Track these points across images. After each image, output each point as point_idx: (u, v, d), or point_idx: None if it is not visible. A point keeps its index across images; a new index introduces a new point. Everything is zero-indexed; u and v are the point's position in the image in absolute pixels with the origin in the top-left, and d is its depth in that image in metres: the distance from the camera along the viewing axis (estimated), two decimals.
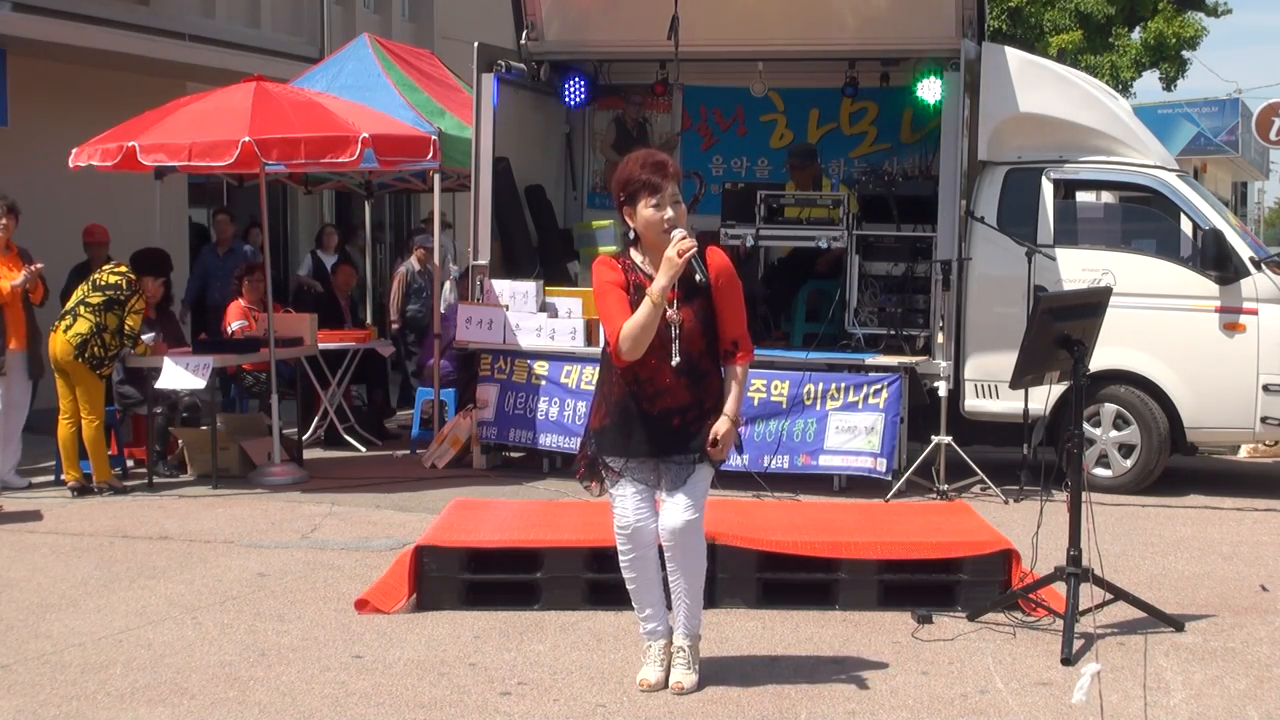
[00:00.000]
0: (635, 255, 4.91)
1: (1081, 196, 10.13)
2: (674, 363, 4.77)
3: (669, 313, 4.75)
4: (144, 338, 9.49)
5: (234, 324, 11.10)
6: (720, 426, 4.82)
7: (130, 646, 5.61)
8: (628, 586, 5.06)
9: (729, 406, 4.84)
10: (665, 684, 5.00)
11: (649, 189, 4.77)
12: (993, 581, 6.07)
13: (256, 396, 11.15)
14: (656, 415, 4.84)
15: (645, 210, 4.78)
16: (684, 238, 4.69)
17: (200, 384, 9.29)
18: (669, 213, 4.75)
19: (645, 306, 4.69)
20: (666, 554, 4.96)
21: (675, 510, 4.88)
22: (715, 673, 5.16)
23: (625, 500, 4.95)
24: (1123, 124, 9.83)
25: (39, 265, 9.46)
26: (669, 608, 5.08)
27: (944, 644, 5.63)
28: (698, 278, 4.74)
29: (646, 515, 4.95)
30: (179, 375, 9.26)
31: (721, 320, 4.87)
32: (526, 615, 6.01)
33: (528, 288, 10.11)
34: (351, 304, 12.50)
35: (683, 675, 4.99)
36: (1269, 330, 9.14)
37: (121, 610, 6.18)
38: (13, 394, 9.38)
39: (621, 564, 5.04)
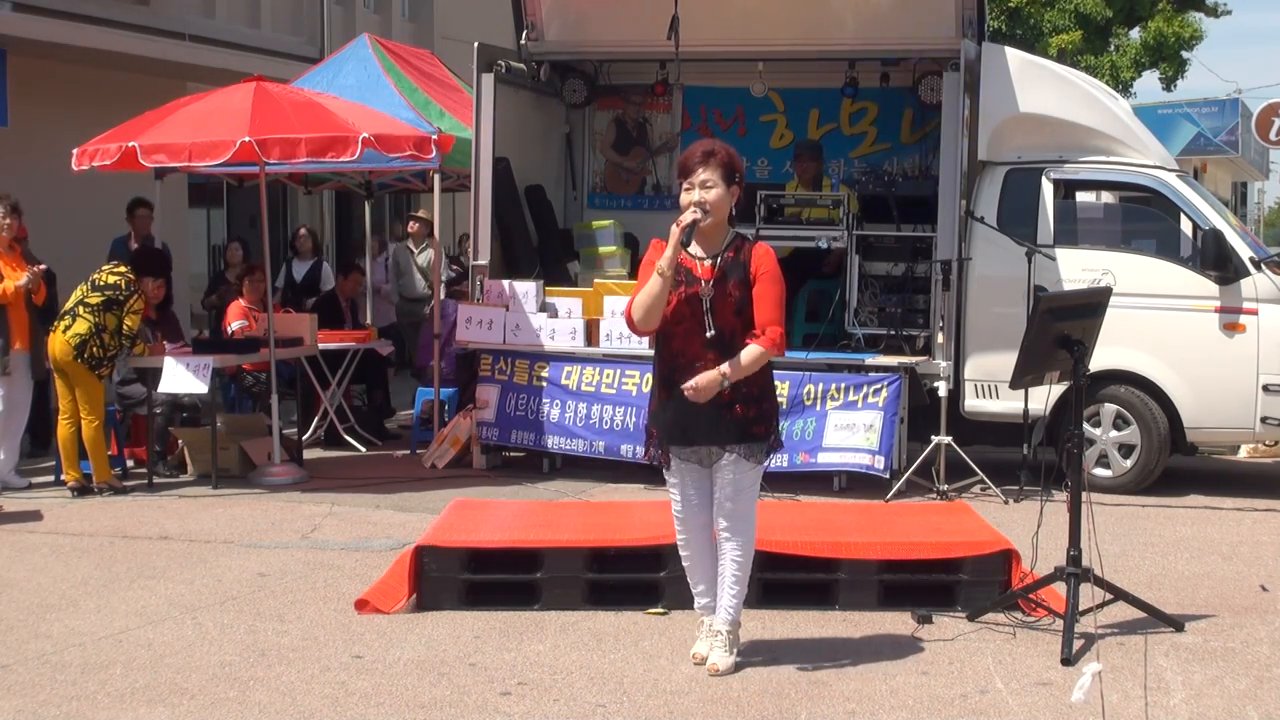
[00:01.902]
0: (673, 227, 5.13)
1: (1081, 196, 10.13)
2: (708, 335, 5.05)
3: (702, 288, 5.07)
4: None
5: (234, 324, 11.10)
6: (703, 374, 5.03)
7: (130, 646, 5.61)
8: (683, 563, 5.40)
9: (725, 365, 5.04)
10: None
11: (683, 173, 5.15)
12: (993, 581, 6.07)
13: (256, 397, 11.15)
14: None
15: (682, 194, 5.14)
16: (692, 211, 5.03)
17: (203, 388, 9.29)
18: (695, 195, 5.07)
19: (653, 278, 5.02)
20: (719, 542, 5.25)
21: (721, 500, 5.18)
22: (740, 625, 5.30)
23: (679, 486, 5.26)
24: (1123, 124, 9.83)
25: (42, 265, 9.46)
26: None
27: (944, 644, 5.63)
28: (682, 241, 5.02)
29: (700, 500, 5.23)
30: (181, 378, 9.25)
31: (755, 308, 5.10)
32: (526, 615, 6.01)
33: (528, 288, 10.11)
34: (352, 305, 12.49)
35: (719, 658, 5.19)
36: (1269, 330, 9.14)
37: (121, 610, 6.18)
38: (14, 394, 9.39)
39: (678, 542, 5.37)
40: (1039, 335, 5.76)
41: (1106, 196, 10.78)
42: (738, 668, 5.21)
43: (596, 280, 10.31)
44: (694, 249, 5.15)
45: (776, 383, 9.17)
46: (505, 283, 10.19)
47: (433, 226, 13.81)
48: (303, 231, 13.50)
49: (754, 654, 5.48)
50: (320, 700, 4.94)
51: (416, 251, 13.67)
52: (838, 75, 11.07)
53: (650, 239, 5.45)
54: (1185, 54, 26.69)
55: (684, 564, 5.41)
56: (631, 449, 9.34)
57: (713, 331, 5.06)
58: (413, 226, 14.14)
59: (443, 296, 11.71)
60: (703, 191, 5.08)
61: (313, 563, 7.14)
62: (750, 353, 5.06)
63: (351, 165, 9.99)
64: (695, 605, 5.42)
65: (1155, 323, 9.24)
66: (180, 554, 7.37)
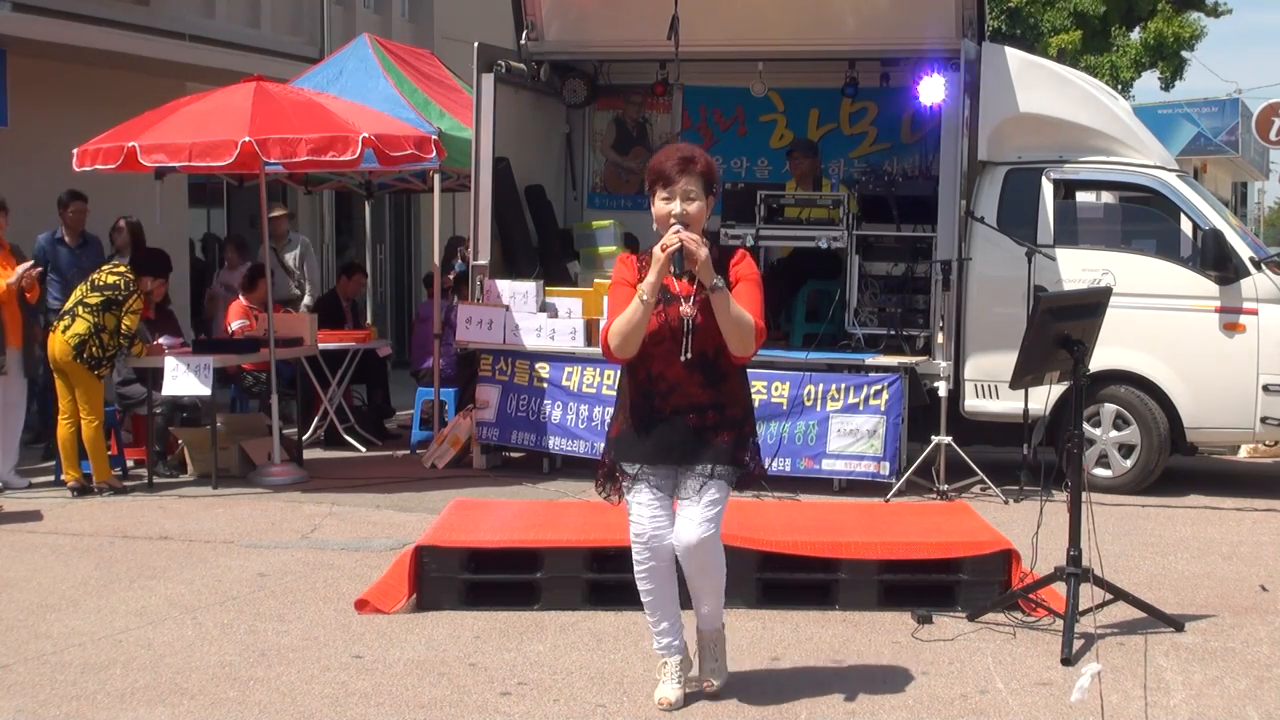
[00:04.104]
0: (657, 250, 4.67)
1: (1081, 196, 10.13)
2: (683, 358, 4.62)
3: (682, 307, 4.63)
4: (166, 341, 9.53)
5: (235, 323, 11.10)
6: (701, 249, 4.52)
7: (130, 646, 5.61)
8: (642, 598, 4.84)
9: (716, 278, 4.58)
10: (684, 702, 4.84)
11: (662, 181, 4.64)
12: (993, 581, 6.07)
13: (256, 396, 11.14)
14: (670, 414, 4.67)
15: (656, 203, 4.67)
16: (676, 232, 4.56)
17: (206, 391, 9.29)
18: (676, 207, 4.60)
19: (634, 303, 4.59)
20: (684, 569, 4.77)
21: (689, 525, 4.67)
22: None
23: (641, 509, 4.73)
24: (1123, 124, 9.83)
25: (37, 267, 9.46)
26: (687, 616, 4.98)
27: (944, 644, 5.63)
28: (673, 269, 4.55)
29: (664, 525, 4.73)
30: (183, 381, 9.24)
31: None
32: (526, 615, 6.01)
33: (528, 288, 10.11)
34: (353, 305, 12.49)
35: (709, 674, 4.95)
36: (1269, 330, 9.14)
37: (121, 610, 6.18)
38: (11, 394, 9.39)
39: (637, 574, 4.80)
40: (1039, 335, 5.76)
41: (1106, 196, 10.77)
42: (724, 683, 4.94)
43: (596, 280, 10.31)
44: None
45: (776, 383, 9.38)
46: (505, 283, 10.20)
47: (291, 221, 12.74)
48: (120, 223, 11.40)
49: (754, 654, 5.48)
50: (320, 700, 4.94)
51: (282, 250, 12.38)
52: (838, 75, 11.07)
53: (644, 245, 5.14)
54: (1185, 54, 26.70)
55: (644, 599, 4.81)
56: None
57: (688, 355, 4.60)
58: (274, 223, 12.24)
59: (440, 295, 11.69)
60: (684, 203, 4.59)
61: (313, 563, 7.14)
62: (741, 309, 4.59)
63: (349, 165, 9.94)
64: (655, 645, 4.88)
65: (1155, 323, 9.24)
66: (180, 554, 7.36)
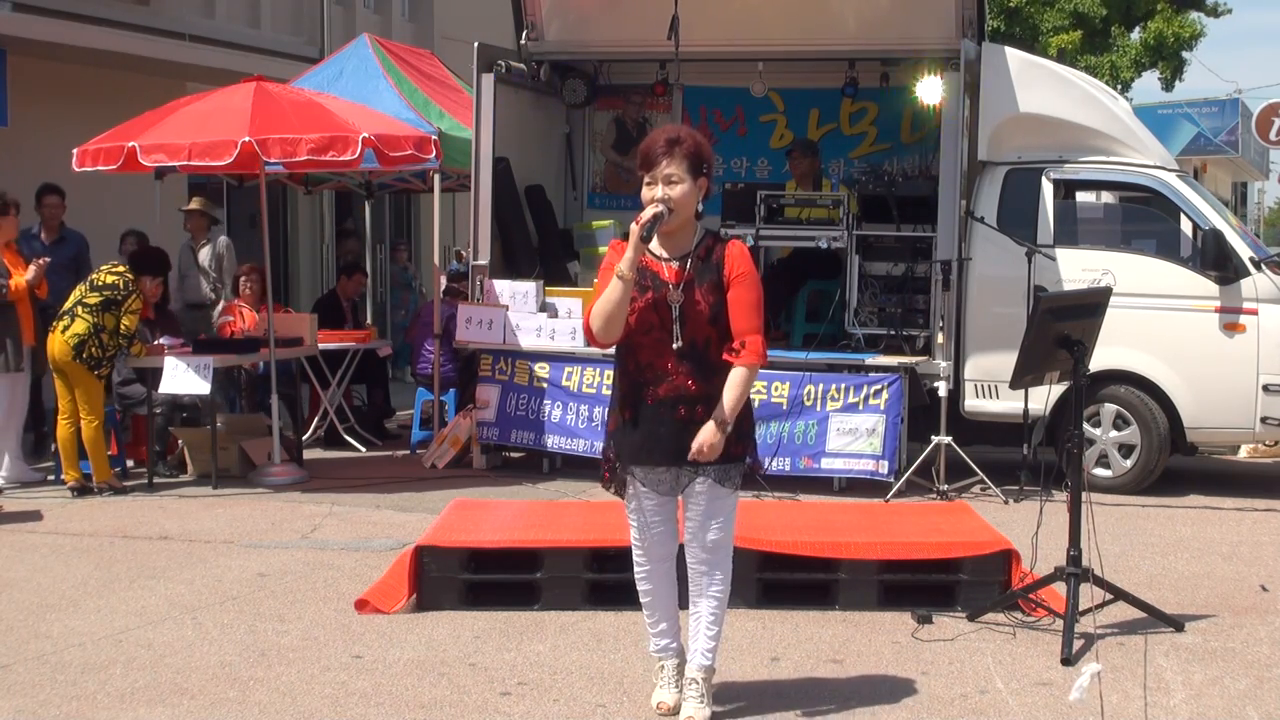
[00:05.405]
0: (633, 226, 4.58)
1: (1081, 196, 10.13)
2: (675, 346, 4.50)
3: (670, 293, 4.53)
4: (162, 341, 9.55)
5: (222, 318, 11.04)
6: (703, 431, 4.45)
7: (130, 646, 5.61)
8: (641, 598, 4.81)
9: (717, 410, 4.46)
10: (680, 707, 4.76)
11: (645, 165, 4.57)
12: (993, 581, 6.07)
13: (241, 389, 11.12)
14: (658, 405, 4.53)
15: (643, 188, 4.58)
16: (655, 207, 4.49)
17: (205, 388, 9.29)
18: (658, 191, 4.51)
19: (612, 281, 4.48)
20: (689, 572, 4.70)
21: (696, 530, 4.63)
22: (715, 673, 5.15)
23: (641, 511, 4.67)
24: (1123, 124, 9.83)
25: (45, 260, 9.49)
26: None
27: (944, 644, 5.63)
28: (642, 235, 4.45)
29: (664, 527, 4.68)
30: (182, 379, 9.24)
31: (730, 315, 4.53)
32: (526, 615, 6.01)
33: (528, 288, 10.12)
34: (353, 305, 12.49)
35: (695, 710, 4.63)
36: (1269, 330, 9.14)
37: (121, 610, 6.18)
38: (19, 391, 9.43)
39: (636, 576, 4.77)
40: (1039, 335, 5.76)
41: (1106, 196, 10.77)
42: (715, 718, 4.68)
43: (596, 280, 10.29)
44: (659, 250, 4.58)
45: (776, 383, 9.38)
46: (505, 283, 10.20)
47: (214, 219, 11.68)
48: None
49: (754, 654, 5.48)
50: (320, 700, 4.94)
51: (197, 249, 11.49)
52: (838, 75, 11.08)
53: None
54: (1185, 54, 26.70)
55: (642, 600, 4.78)
56: None
57: (680, 343, 4.48)
58: (191, 215, 11.63)
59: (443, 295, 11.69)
60: (666, 187, 4.49)
61: (313, 563, 7.14)
62: (737, 380, 4.48)
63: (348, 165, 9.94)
64: (652, 647, 4.83)
65: (1155, 323, 9.24)
66: (180, 554, 7.37)
